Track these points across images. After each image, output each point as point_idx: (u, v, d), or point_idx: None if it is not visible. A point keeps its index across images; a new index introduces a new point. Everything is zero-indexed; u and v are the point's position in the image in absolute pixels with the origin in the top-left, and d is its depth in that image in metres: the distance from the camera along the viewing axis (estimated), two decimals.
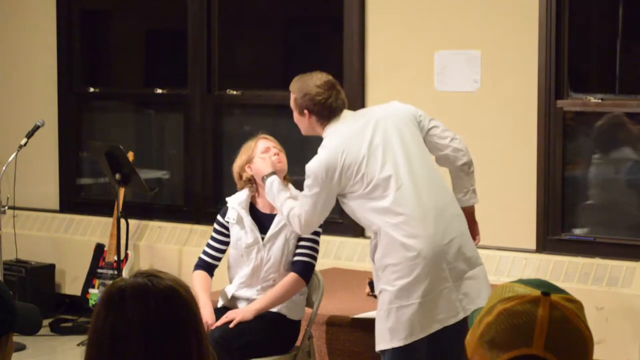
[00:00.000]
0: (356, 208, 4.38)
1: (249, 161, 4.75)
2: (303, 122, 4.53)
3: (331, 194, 4.37)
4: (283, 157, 4.79)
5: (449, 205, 4.38)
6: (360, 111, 4.64)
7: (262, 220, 4.74)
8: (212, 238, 4.83)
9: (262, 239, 4.69)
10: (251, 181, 4.76)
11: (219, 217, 4.83)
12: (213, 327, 4.55)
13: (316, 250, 4.73)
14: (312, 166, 4.37)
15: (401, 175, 4.30)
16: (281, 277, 4.66)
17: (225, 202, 4.85)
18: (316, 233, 4.73)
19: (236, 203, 4.77)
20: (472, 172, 4.59)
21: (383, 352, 4.35)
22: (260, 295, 4.66)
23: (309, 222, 4.44)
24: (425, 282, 4.24)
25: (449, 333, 4.28)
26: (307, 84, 4.49)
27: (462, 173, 4.56)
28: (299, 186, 5.12)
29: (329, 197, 4.38)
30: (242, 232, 4.72)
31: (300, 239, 4.71)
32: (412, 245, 4.23)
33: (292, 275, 4.64)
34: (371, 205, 4.31)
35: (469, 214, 4.58)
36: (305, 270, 4.67)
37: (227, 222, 4.78)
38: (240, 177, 4.79)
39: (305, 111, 4.47)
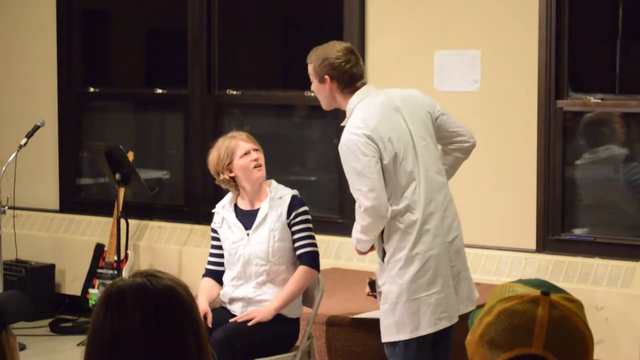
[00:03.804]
0: None
1: (229, 164, 4.74)
2: (323, 91, 4.37)
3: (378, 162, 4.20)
4: (261, 157, 4.77)
5: (451, 203, 4.37)
6: (382, 92, 4.45)
7: (246, 218, 4.76)
8: (211, 245, 4.90)
9: (248, 234, 4.71)
10: (230, 182, 4.77)
11: (211, 225, 4.87)
12: (214, 325, 4.58)
13: (314, 236, 4.74)
14: (347, 141, 4.19)
15: (416, 173, 4.27)
16: (273, 270, 4.66)
17: (214, 208, 4.88)
18: (307, 220, 4.72)
19: (220, 207, 4.83)
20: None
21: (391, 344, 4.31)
22: (258, 291, 4.68)
23: (377, 199, 4.14)
24: (431, 278, 4.23)
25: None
26: (326, 50, 4.37)
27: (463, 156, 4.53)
28: (297, 186, 5.10)
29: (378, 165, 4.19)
30: (229, 231, 4.78)
31: (295, 230, 4.70)
32: (420, 241, 4.22)
33: (302, 269, 4.67)
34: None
35: None
36: (312, 259, 4.69)
37: (217, 228, 4.82)
38: (218, 174, 4.80)
39: (326, 77, 4.32)
